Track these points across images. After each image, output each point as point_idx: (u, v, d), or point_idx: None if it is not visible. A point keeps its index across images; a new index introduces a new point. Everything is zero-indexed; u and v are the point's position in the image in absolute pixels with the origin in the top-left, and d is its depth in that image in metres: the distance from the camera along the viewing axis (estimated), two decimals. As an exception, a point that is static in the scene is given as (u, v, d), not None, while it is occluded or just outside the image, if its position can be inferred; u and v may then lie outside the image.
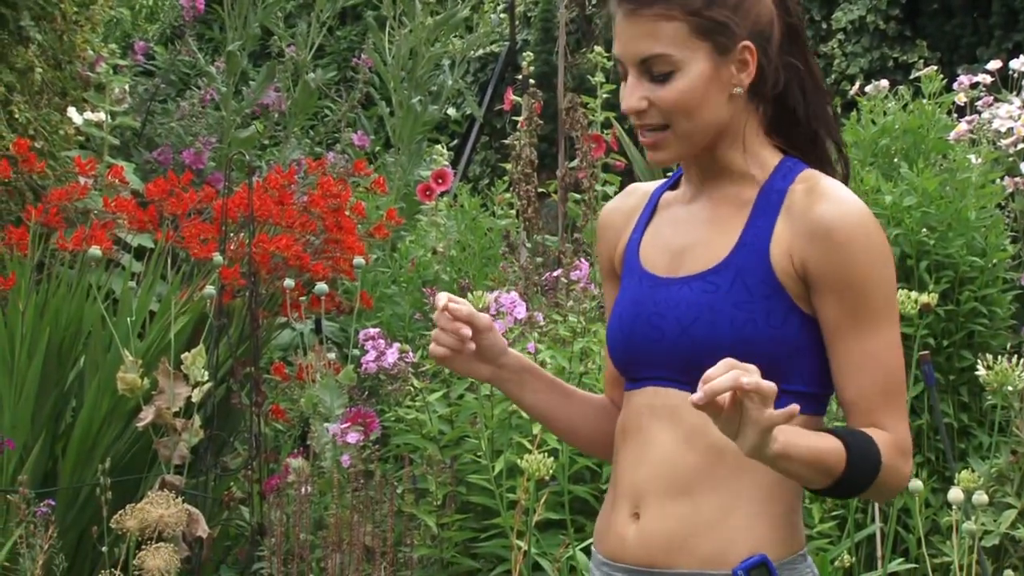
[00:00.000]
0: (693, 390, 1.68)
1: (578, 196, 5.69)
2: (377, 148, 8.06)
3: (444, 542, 4.01)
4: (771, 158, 1.91)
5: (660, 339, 1.89)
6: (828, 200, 1.82)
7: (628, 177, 6.02)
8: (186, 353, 4.47)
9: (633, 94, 1.86)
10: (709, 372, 1.64)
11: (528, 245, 5.57)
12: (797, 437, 1.72)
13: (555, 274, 4.73)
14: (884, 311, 1.81)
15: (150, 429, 4.35)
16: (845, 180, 1.94)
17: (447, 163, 6.15)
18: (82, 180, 5.41)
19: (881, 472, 1.77)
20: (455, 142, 9.32)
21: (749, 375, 1.62)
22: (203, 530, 4.10)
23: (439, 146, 6.33)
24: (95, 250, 4.83)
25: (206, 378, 4.42)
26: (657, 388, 1.91)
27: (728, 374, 1.62)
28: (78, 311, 4.85)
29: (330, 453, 4.37)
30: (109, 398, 4.60)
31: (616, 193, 5.45)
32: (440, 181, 6.00)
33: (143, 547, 3.77)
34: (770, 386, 1.62)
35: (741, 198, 1.90)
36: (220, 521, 4.62)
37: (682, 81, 1.83)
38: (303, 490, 4.15)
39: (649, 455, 1.87)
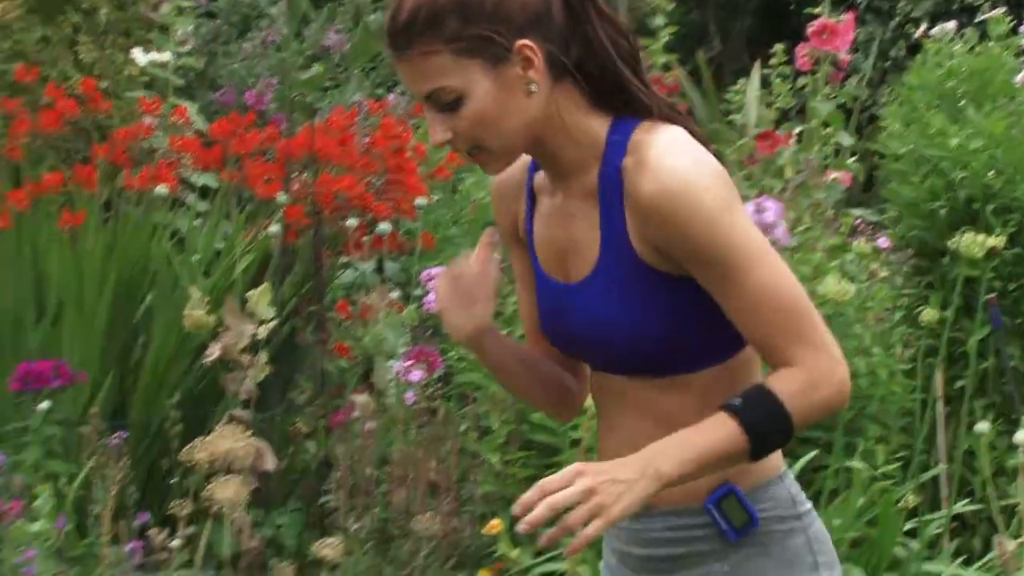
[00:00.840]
0: (628, 375, 1.85)
1: (639, 138, 5.68)
2: (437, 90, 8.05)
3: (508, 478, 4.05)
4: (600, 129, 1.85)
5: (576, 341, 1.92)
6: (645, 175, 1.76)
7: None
8: (252, 291, 4.52)
9: (435, 129, 1.83)
10: (547, 486, 1.69)
11: (589, 187, 5.56)
12: (685, 450, 1.73)
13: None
14: (744, 257, 1.75)
15: (218, 365, 4.41)
16: (668, 115, 1.85)
17: (508, 105, 6.15)
18: (147, 120, 5.46)
19: (794, 417, 1.75)
20: (514, 85, 9.30)
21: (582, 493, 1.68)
22: (271, 463, 4.16)
23: (500, 88, 6.32)
24: (161, 189, 4.89)
25: (272, 316, 4.47)
26: (600, 372, 1.94)
27: (538, 512, 1.68)
28: (145, 249, 4.91)
29: (394, 390, 4.41)
30: (177, 335, 4.66)
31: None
32: (501, 123, 6.00)
33: (212, 479, 3.83)
34: (580, 521, 1.68)
35: (588, 186, 1.85)
36: (287, 455, 4.68)
37: (470, 105, 1.79)
38: (368, 426, 4.20)
39: (614, 432, 1.91)
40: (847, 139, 5.05)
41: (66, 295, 4.77)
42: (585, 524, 1.69)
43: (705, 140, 1.83)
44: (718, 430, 1.74)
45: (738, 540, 1.84)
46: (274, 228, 4.83)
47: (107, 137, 5.29)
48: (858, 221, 4.77)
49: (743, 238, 1.76)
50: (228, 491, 3.84)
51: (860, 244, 4.30)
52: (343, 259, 5.23)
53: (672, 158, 1.76)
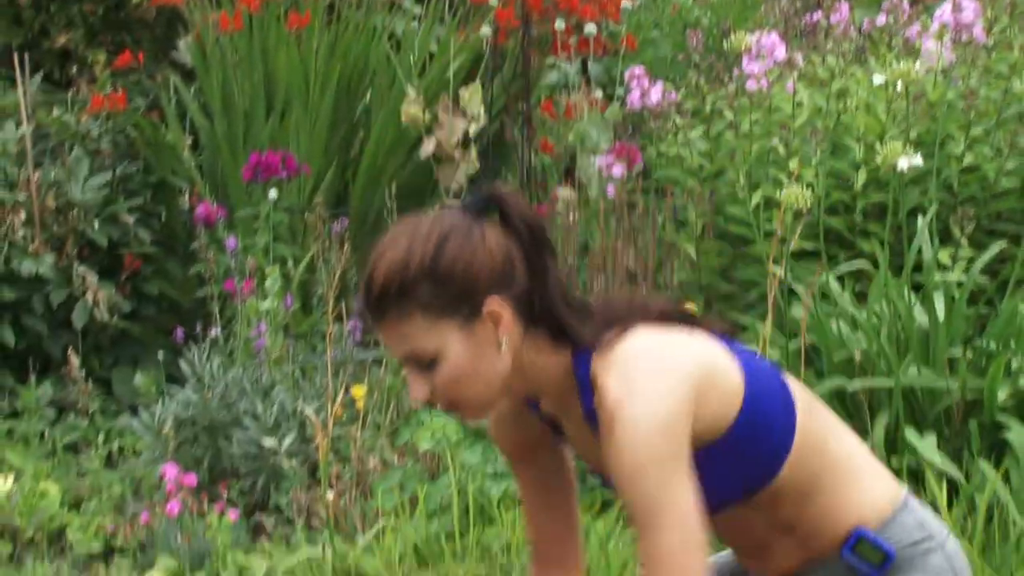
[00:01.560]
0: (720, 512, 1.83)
1: (840, -58, 5.46)
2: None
3: (702, 268, 4.01)
4: (566, 365, 1.82)
5: None
6: (605, 424, 1.74)
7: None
8: (463, 88, 4.51)
9: (416, 387, 1.79)
10: None
11: (789, -10, 5.38)
12: None
13: (815, 17, 4.57)
14: (653, 516, 1.72)
15: (431, 158, 4.44)
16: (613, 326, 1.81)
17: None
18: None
19: None
20: None
21: None
22: (479, 251, 4.19)
23: None
24: (381, -9, 4.87)
25: (482, 113, 4.46)
26: None
27: None
28: (365, 50, 4.93)
29: (595, 184, 4.38)
30: (393, 130, 4.70)
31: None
32: (703, -72, 5.83)
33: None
34: None
35: (579, 417, 1.84)
36: (494, 244, 4.70)
37: (446, 365, 1.76)
38: (571, 217, 4.19)
39: (739, 548, 1.96)
40: (1050, -61, 4.76)
41: (293, 92, 4.83)
42: None
43: (668, 313, 1.83)
44: None
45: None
46: (485, 30, 4.79)
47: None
48: (1057, 21, 4.51)
49: (660, 496, 1.71)
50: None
51: (1058, 43, 4.08)
52: (549, 60, 5.18)
53: (621, 410, 1.72)
